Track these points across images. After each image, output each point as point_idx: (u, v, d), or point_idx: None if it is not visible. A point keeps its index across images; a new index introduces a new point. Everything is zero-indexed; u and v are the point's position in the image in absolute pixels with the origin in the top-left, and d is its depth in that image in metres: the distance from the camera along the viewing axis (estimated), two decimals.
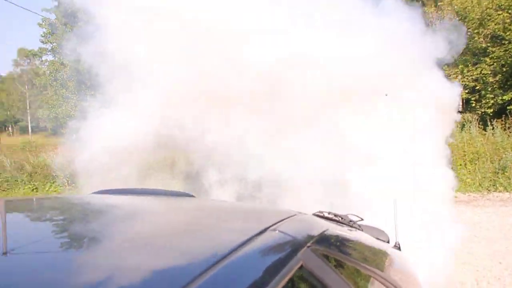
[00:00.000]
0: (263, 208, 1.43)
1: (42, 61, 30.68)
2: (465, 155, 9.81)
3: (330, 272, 1.01)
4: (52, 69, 22.24)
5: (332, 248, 1.21)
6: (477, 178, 9.20)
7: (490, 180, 9.16)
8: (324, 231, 1.26)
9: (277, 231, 0.97)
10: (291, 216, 1.21)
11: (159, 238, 0.93)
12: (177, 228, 1.03)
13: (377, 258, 1.67)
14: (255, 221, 1.13)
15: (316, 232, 1.16)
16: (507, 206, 7.63)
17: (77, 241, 0.95)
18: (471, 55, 15.12)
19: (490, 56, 14.84)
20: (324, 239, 1.17)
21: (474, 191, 8.95)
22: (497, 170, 9.28)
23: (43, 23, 24.71)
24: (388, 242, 2.21)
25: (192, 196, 1.48)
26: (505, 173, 9.15)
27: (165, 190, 1.53)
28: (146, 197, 1.44)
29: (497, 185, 9.00)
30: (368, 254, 1.59)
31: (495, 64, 14.65)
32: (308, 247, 0.97)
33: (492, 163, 9.50)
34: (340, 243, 1.32)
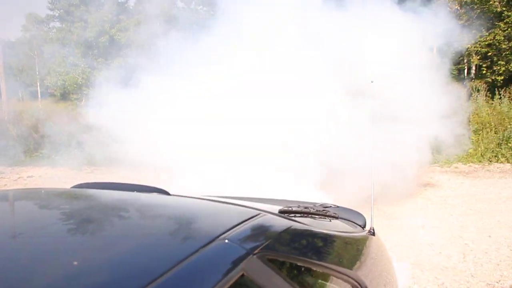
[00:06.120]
0: (228, 209, 1.51)
1: (49, 28, 30.40)
2: (469, 125, 9.77)
3: (277, 278, 1.09)
4: (59, 36, 22.16)
5: (287, 250, 1.29)
6: (479, 148, 9.21)
7: (493, 151, 9.16)
8: (282, 232, 1.35)
9: (225, 240, 1.06)
10: (251, 218, 1.30)
11: (97, 243, 1.04)
12: (127, 233, 1.11)
13: (345, 252, 1.72)
14: (209, 227, 1.22)
15: (269, 236, 1.26)
16: (506, 178, 7.68)
17: (36, 237, 1.06)
18: (485, 20, 14.65)
19: (505, 21, 14.36)
20: (277, 242, 1.27)
21: (475, 161, 8.99)
22: (500, 141, 9.26)
23: None
24: (364, 226, 2.29)
25: (165, 192, 1.59)
26: (509, 144, 9.13)
27: (141, 185, 1.64)
28: (117, 193, 1.55)
29: (499, 156, 9.01)
30: (335, 249, 1.62)
31: (509, 29, 14.21)
32: (254, 254, 1.06)
33: (496, 133, 9.46)
34: (298, 243, 1.41)
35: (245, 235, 1.16)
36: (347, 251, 1.77)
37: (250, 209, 1.45)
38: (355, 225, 2.23)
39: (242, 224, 1.20)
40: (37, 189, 1.73)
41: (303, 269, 1.30)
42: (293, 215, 1.68)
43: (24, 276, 0.84)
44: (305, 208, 1.83)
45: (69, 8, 22.35)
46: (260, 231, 1.26)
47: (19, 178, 10.14)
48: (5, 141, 11.97)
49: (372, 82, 3.20)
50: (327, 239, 1.60)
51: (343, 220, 2.17)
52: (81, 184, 1.71)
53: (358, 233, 2.05)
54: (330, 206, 2.18)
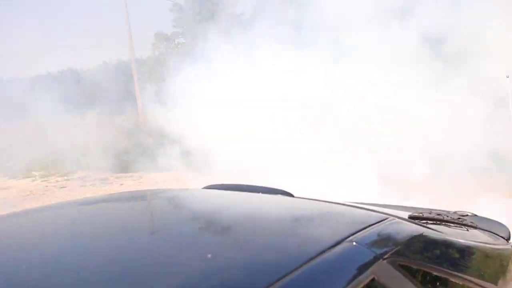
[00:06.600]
0: (354, 213, 1.46)
1: (175, 43, 33.50)
2: None
3: (410, 286, 1.03)
4: (184, 51, 24.27)
5: (420, 257, 1.21)
6: None
7: None
8: (413, 237, 1.26)
9: (353, 243, 1.02)
10: (379, 221, 1.24)
11: (230, 240, 1.09)
12: (257, 232, 1.15)
13: (486, 265, 1.56)
14: (336, 229, 1.19)
15: (400, 241, 1.18)
16: None
17: (173, 235, 1.14)
18: None
19: None
20: (409, 248, 1.19)
21: None
22: None
23: (174, 8, 26.95)
24: (508, 238, 2.02)
25: (289, 194, 1.60)
26: None
27: (266, 187, 1.68)
28: (244, 194, 1.61)
29: None
30: (475, 261, 1.50)
31: None
32: (384, 259, 1.01)
33: None
34: (432, 251, 1.30)
35: (373, 238, 1.11)
36: (488, 264, 1.59)
37: (377, 213, 1.38)
38: (497, 236, 1.99)
39: (370, 228, 1.15)
40: (173, 189, 1.91)
41: (439, 279, 1.20)
42: (424, 221, 1.56)
43: (164, 270, 0.89)
44: (438, 215, 1.70)
45: (191, 24, 24.35)
46: (390, 236, 1.20)
47: (155, 182, 11.34)
48: (141, 150, 13.57)
49: (507, 77, 2.79)
50: (465, 249, 1.46)
51: (482, 230, 1.95)
52: (211, 186, 1.84)
53: (501, 245, 1.83)
54: (467, 215, 1.98)
